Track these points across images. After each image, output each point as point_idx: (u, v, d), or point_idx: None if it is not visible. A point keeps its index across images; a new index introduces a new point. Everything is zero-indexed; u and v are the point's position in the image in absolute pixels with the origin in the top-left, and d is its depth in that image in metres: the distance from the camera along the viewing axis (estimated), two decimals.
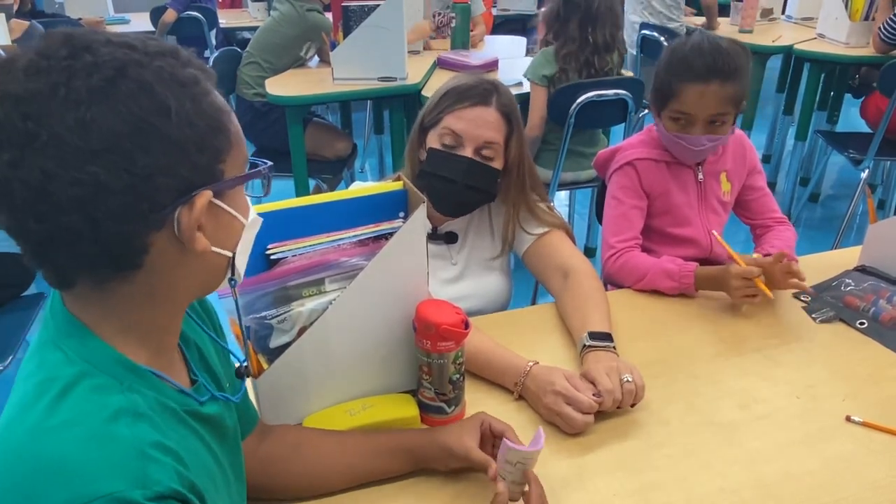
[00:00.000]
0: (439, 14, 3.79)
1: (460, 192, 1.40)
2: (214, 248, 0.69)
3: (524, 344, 1.28)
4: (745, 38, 3.67)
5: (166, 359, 0.75)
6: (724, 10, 4.37)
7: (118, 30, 4.48)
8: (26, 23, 3.48)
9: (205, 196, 0.65)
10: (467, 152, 1.39)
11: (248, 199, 0.76)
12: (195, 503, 0.66)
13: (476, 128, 1.39)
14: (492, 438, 1.01)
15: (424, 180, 1.42)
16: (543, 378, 1.14)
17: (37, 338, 0.71)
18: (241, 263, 0.75)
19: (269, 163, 0.76)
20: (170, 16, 4.69)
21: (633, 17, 4.25)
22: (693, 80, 1.48)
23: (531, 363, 1.17)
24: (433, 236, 1.51)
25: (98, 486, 0.58)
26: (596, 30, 2.67)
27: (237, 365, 0.89)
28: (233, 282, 0.76)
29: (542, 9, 2.90)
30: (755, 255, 1.47)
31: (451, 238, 1.53)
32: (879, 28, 3.25)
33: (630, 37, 4.15)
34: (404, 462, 1.01)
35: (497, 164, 1.43)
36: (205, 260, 0.69)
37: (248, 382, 0.98)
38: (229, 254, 0.72)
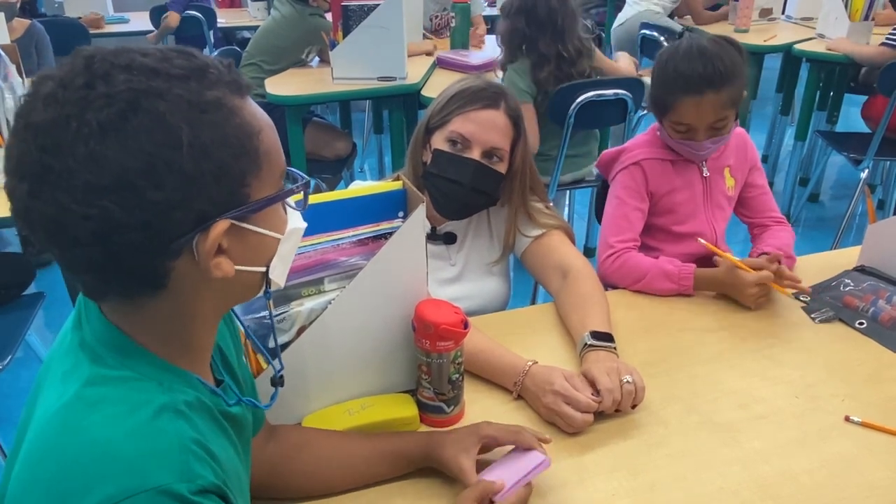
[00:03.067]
0: (436, 17, 3.79)
1: (466, 194, 1.40)
2: (241, 268, 0.68)
3: (523, 343, 1.28)
4: (741, 38, 3.65)
5: (201, 363, 0.76)
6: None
7: (117, 29, 4.45)
8: (27, 21, 3.48)
9: (221, 225, 0.64)
10: (475, 155, 1.39)
11: (289, 209, 0.74)
12: (231, 499, 0.67)
13: (485, 131, 1.39)
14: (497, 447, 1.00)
15: (429, 181, 1.42)
16: (542, 378, 1.14)
17: (70, 338, 0.71)
18: (279, 274, 0.74)
19: (306, 178, 0.74)
20: (173, 19, 4.67)
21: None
22: (688, 94, 1.48)
23: (530, 363, 1.17)
24: (432, 236, 1.51)
25: (146, 479, 0.59)
26: (566, 43, 2.60)
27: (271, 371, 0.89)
28: (268, 295, 0.74)
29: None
30: (750, 258, 1.47)
31: (449, 238, 1.53)
32: (888, 36, 3.20)
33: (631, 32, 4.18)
34: (404, 466, 1.01)
35: (501, 169, 1.43)
36: (232, 278, 0.67)
37: None
38: (261, 270, 0.71)
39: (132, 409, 0.63)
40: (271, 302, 0.77)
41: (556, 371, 1.14)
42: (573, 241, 1.51)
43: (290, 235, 0.73)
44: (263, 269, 0.71)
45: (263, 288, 0.74)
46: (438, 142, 1.42)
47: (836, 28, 3.56)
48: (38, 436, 0.64)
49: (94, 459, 0.60)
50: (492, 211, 1.54)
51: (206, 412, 0.71)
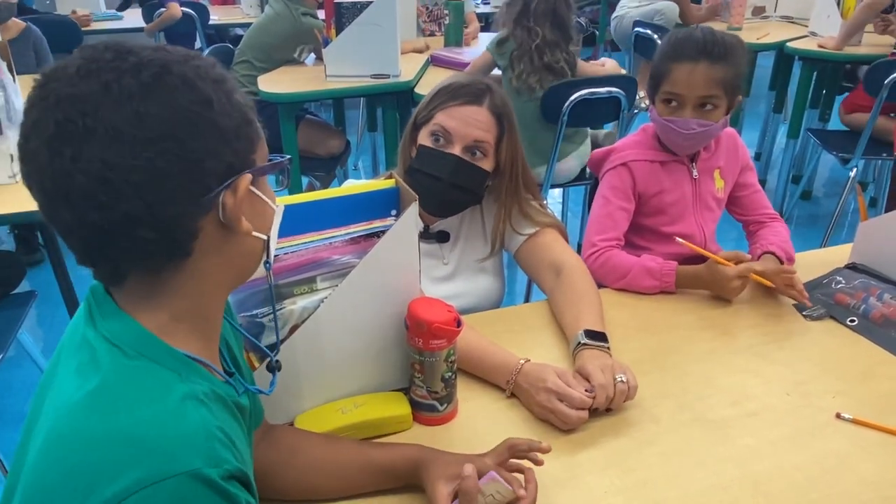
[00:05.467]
0: (428, 9, 3.79)
1: (446, 190, 1.40)
2: (254, 233, 0.74)
3: (517, 341, 1.28)
4: None
5: (213, 349, 0.78)
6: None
7: (111, 26, 4.42)
8: (23, 23, 3.46)
9: (245, 179, 0.70)
10: (456, 150, 1.39)
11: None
12: (252, 486, 0.69)
13: (466, 126, 1.39)
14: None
15: (413, 177, 1.41)
16: (535, 375, 1.14)
17: (82, 332, 0.72)
18: (273, 248, 0.80)
19: (288, 156, 0.81)
20: (175, 10, 4.63)
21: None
22: (682, 60, 1.50)
23: (522, 360, 1.17)
24: (425, 235, 1.51)
25: (175, 463, 0.61)
26: (542, 26, 2.68)
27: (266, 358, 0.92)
28: (267, 265, 0.80)
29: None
30: (729, 252, 1.48)
31: (442, 237, 1.53)
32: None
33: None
34: (393, 480, 0.99)
35: (486, 165, 1.42)
36: (244, 245, 0.74)
37: None
38: (265, 237, 0.77)
39: (157, 396, 0.65)
40: (271, 273, 0.83)
41: (549, 368, 1.15)
42: (567, 240, 1.51)
43: (278, 212, 0.80)
44: (266, 236, 0.78)
45: (263, 258, 0.79)
46: (423, 138, 1.42)
47: (829, 26, 3.57)
48: (61, 423, 0.65)
49: (123, 443, 0.61)
50: (486, 210, 1.53)
51: (220, 402, 0.72)
